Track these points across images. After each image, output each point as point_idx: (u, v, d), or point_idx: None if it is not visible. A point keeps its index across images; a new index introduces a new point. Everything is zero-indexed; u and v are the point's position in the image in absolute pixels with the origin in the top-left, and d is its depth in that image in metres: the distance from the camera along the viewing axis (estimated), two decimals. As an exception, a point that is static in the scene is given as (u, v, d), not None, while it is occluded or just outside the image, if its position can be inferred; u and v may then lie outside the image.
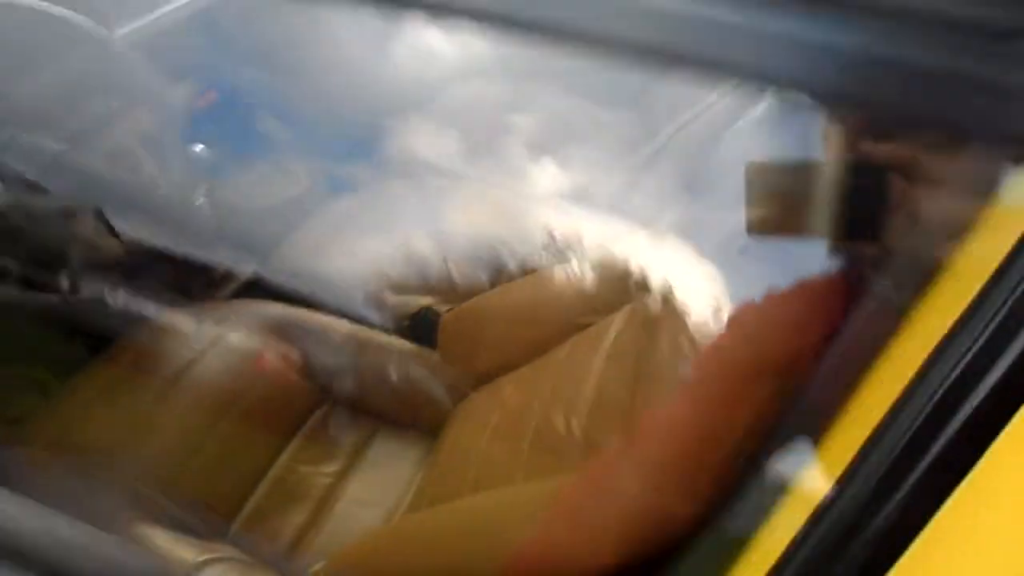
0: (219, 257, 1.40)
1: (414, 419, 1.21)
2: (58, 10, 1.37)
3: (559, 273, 1.16)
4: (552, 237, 1.47)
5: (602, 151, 1.50)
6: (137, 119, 1.43)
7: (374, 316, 1.31)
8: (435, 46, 1.57)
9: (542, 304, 1.13)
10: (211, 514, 1.05)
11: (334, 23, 1.42)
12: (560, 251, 1.35)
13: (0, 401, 1.30)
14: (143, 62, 1.50)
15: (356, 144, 1.54)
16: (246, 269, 1.46)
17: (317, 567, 0.95)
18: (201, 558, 0.96)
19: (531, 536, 0.67)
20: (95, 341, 1.21)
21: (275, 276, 1.39)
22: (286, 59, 1.46)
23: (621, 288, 1.03)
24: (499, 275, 1.44)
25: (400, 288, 1.36)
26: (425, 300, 1.33)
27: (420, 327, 1.29)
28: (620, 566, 0.64)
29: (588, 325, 1.02)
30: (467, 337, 1.18)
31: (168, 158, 1.44)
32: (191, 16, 1.59)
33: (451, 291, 1.34)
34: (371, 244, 1.43)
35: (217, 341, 1.18)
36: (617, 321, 0.95)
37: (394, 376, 1.24)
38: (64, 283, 1.15)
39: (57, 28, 1.37)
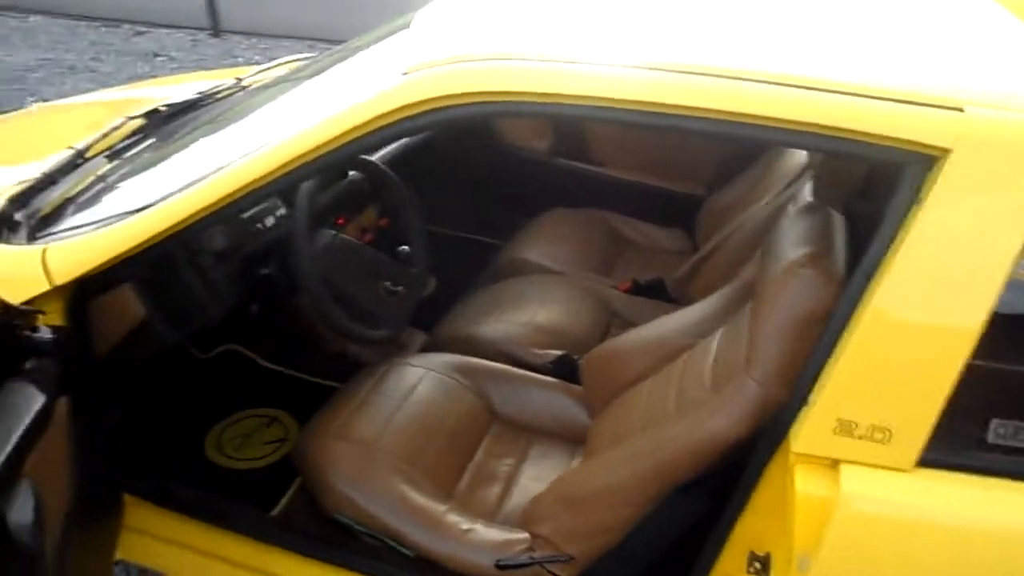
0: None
1: (559, 431, 1.71)
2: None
3: (662, 319, 1.70)
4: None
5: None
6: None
7: (524, 363, 1.83)
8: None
9: (654, 339, 1.65)
10: (439, 485, 1.52)
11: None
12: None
13: (258, 432, 1.81)
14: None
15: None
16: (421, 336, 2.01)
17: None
18: (444, 505, 1.44)
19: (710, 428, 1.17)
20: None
21: (443, 339, 1.93)
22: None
23: (712, 319, 1.56)
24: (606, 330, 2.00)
25: (538, 344, 1.89)
26: (556, 352, 1.86)
27: (560, 368, 1.81)
28: (750, 436, 1.14)
29: (692, 345, 1.53)
30: (604, 370, 1.69)
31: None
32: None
33: (573, 344, 1.87)
34: (508, 317, 1.97)
35: (424, 376, 1.69)
36: (716, 335, 1.46)
37: (541, 402, 1.75)
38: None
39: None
